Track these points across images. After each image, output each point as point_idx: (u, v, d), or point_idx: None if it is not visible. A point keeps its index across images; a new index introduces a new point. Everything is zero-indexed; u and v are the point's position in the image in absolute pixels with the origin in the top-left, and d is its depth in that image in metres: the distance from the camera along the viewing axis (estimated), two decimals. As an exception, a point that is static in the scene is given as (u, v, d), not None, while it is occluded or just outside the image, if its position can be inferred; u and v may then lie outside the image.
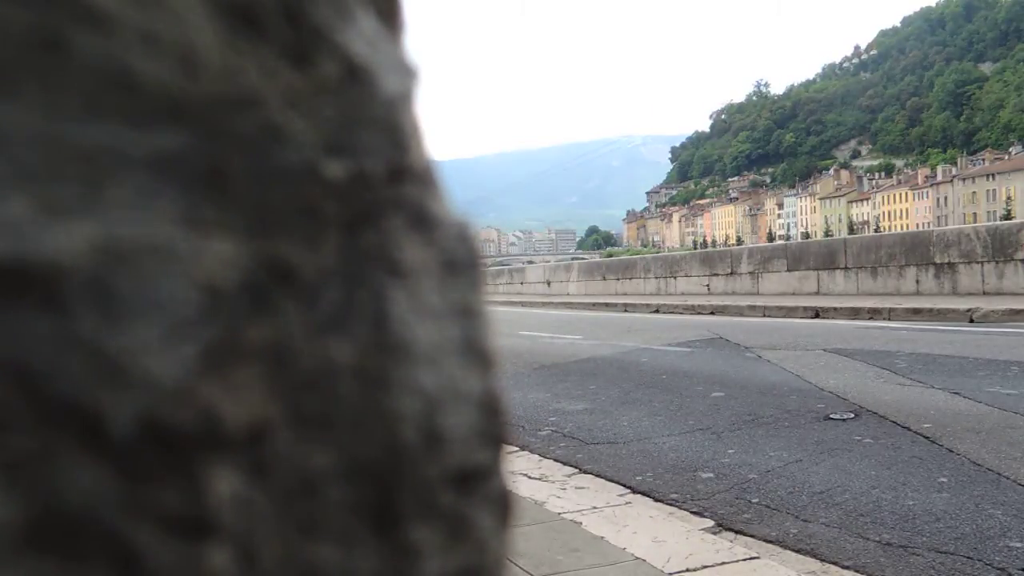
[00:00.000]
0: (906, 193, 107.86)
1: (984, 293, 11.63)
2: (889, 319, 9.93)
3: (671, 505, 2.98)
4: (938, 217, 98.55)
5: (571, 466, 3.59)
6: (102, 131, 0.19)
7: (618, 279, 20.62)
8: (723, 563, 2.25)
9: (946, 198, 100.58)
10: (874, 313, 10.49)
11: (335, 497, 0.22)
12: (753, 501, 2.95)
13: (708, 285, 17.20)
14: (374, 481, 0.23)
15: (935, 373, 5.02)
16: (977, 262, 11.92)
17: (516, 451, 3.81)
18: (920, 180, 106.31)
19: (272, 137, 0.22)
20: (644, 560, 2.28)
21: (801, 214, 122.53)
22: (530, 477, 3.25)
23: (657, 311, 14.26)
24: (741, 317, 11.41)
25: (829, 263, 14.55)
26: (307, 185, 0.22)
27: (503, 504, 0.27)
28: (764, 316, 11.21)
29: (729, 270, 16.73)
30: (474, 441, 0.25)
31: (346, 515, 0.22)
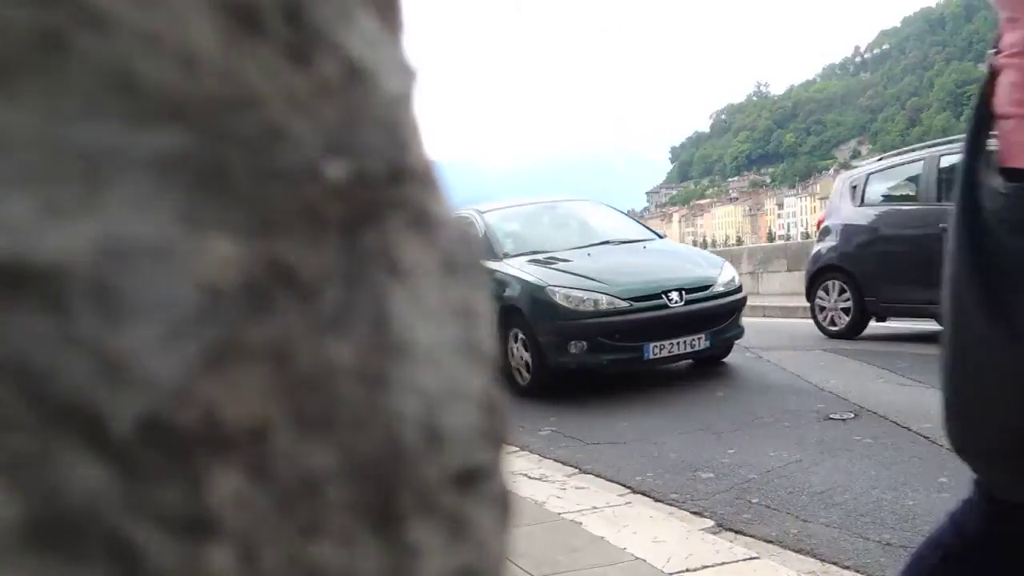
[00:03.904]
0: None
1: (984, 293, 11.57)
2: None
3: (671, 505, 2.98)
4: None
5: (571, 466, 3.59)
6: (102, 131, 0.19)
7: (618, 279, 20.48)
8: (723, 563, 2.25)
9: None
10: (874, 313, 10.46)
11: (335, 497, 0.22)
12: (753, 501, 2.95)
13: (709, 285, 17.10)
14: (374, 481, 0.23)
15: (935, 373, 5.01)
16: (978, 262, 11.86)
17: (516, 451, 3.81)
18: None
19: (272, 137, 0.22)
20: (644, 560, 2.28)
21: (801, 214, 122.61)
22: (530, 477, 3.25)
23: (657, 311, 14.21)
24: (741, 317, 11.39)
25: (829, 263, 14.50)
26: (307, 185, 0.22)
27: (503, 504, 0.27)
28: (764, 316, 11.20)
29: (729, 270, 16.64)
30: (474, 441, 0.25)
31: (346, 515, 0.22)
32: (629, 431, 4.13)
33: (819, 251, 7.53)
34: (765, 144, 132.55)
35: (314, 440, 0.22)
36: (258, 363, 0.21)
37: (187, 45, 0.21)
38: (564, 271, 5.66)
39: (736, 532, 2.66)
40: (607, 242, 6.39)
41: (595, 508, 2.79)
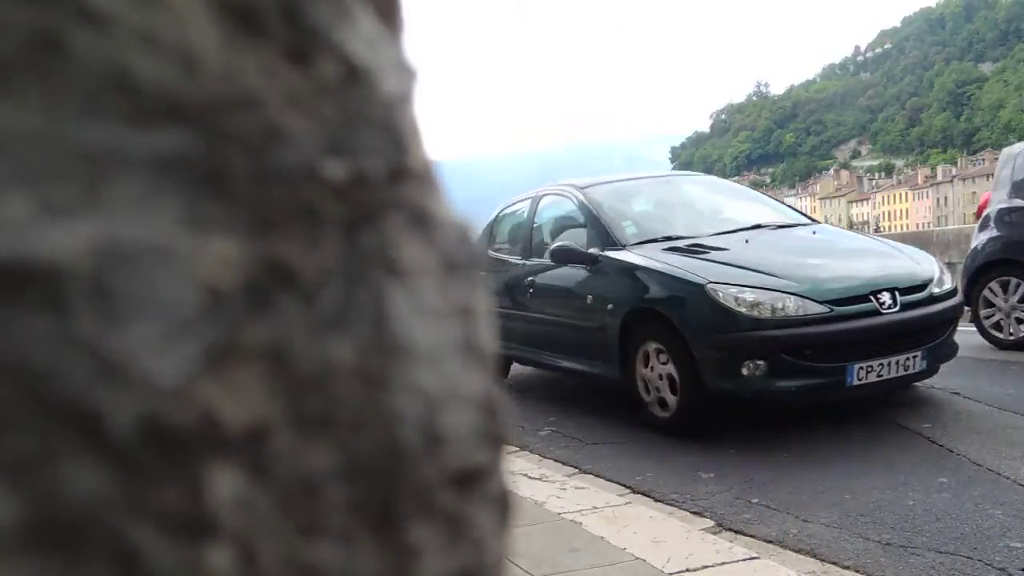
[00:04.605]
0: (906, 193, 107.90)
1: (985, 293, 11.55)
2: (889, 319, 9.88)
3: (671, 505, 2.98)
4: (938, 217, 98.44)
5: (571, 466, 3.59)
6: (102, 131, 0.19)
7: (619, 279, 20.39)
8: (723, 563, 2.26)
9: (946, 198, 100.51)
10: (874, 313, 10.47)
11: (335, 497, 0.22)
12: (753, 501, 2.95)
13: (709, 285, 16.96)
14: (374, 481, 0.23)
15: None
16: (980, 262, 11.80)
17: (516, 451, 3.81)
18: (920, 180, 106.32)
19: (272, 137, 0.22)
20: (644, 560, 2.28)
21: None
22: (530, 477, 3.26)
23: (657, 311, 14.16)
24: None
25: (829, 263, 14.49)
26: (307, 185, 0.23)
27: (503, 504, 0.27)
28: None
29: (730, 270, 16.52)
30: (474, 441, 0.25)
31: (346, 515, 0.22)
32: (629, 431, 4.14)
33: (978, 246, 5.81)
34: (765, 144, 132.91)
35: (314, 440, 0.22)
36: (258, 363, 0.21)
37: (187, 45, 0.21)
38: (723, 263, 3.97)
39: (736, 532, 2.67)
40: (759, 226, 4.67)
41: (595, 508, 2.79)
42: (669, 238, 4.46)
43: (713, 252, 4.15)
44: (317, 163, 0.23)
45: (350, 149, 0.24)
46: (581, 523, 2.62)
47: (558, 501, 2.88)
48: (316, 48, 0.23)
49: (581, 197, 4.95)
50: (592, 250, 4.51)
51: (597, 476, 3.41)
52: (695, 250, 4.21)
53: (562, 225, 5.14)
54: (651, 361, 4.04)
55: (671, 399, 3.94)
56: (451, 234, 0.26)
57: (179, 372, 0.19)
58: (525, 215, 5.61)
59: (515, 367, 5.77)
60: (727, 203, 5.25)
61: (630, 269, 4.22)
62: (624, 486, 3.25)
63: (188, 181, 0.20)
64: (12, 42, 0.19)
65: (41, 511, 0.18)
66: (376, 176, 0.24)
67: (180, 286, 0.20)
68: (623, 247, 4.40)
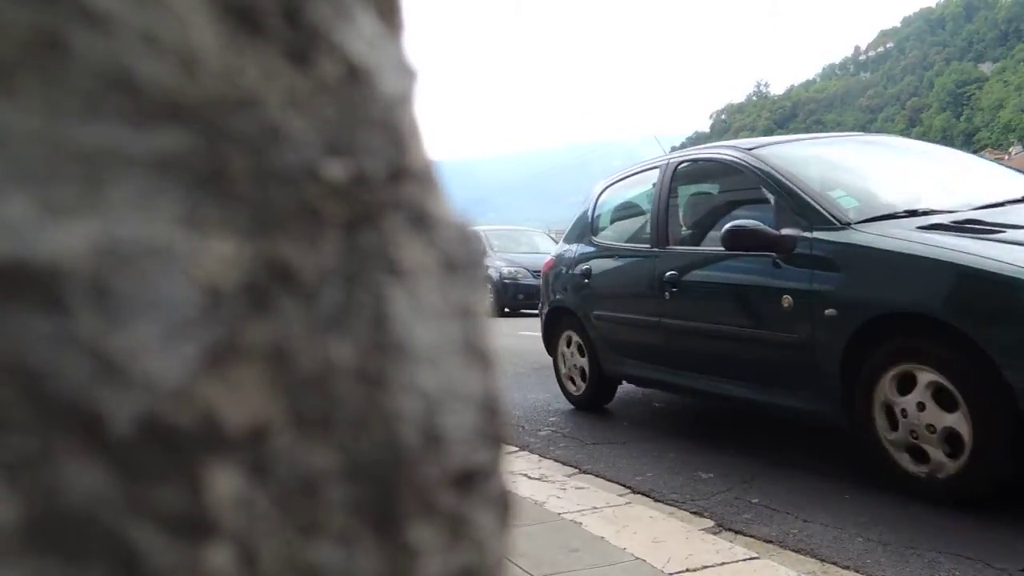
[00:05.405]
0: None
1: (985, 293, 11.41)
2: (889, 319, 9.86)
3: (671, 505, 2.98)
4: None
5: (571, 466, 3.59)
6: (102, 131, 0.19)
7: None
8: (723, 563, 2.26)
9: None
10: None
11: (335, 497, 0.22)
12: (753, 501, 2.95)
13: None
14: (374, 481, 0.23)
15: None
16: (979, 262, 11.69)
17: (516, 451, 3.81)
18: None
19: (272, 137, 0.22)
20: (644, 560, 2.28)
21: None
22: (530, 477, 3.25)
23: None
24: None
25: (829, 263, 14.42)
26: (307, 185, 0.23)
27: (503, 504, 0.27)
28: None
29: (730, 270, 16.37)
30: (474, 441, 0.25)
31: (346, 515, 0.22)
32: (629, 431, 4.14)
33: None
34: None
35: (314, 440, 0.22)
36: (258, 363, 0.21)
37: (187, 45, 0.21)
38: None
39: (736, 532, 2.66)
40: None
41: (595, 508, 2.79)
42: (913, 212, 3.01)
43: (1010, 231, 2.66)
44: (317, 163, 0.23)
45: (350, 149, 0.24)
46: (581, 523, 2.62)
47: (558, 501, 2.88)
48: (316, 48, 0.23)
49: (752, 161, 3.45)
50: (787, 231, 3.09)
51: (597, 476, 3.41)
52: (975, 229, 2.73)
53: (719, 200, 3.85)
54: (902, 393, 2.68)
55: (950, 454, 2.57)
56: (451, 234, 0.26)
57: (179, 372, 0.19)
58: (653, 191, 4.14)
59: (515, 370, 5.74)
60: (951, 167, 3.72)
61: (870, 258, 2.79)
62: (624, 486, 3.25)
63: (188, 181, 0.20)
64: (12, 42, 0.19)
65: (41, 511, 0.18)
66: (376, 176, 0.24)
67: (180, 286, 0.20)
68: (845, 226, 2.95)
